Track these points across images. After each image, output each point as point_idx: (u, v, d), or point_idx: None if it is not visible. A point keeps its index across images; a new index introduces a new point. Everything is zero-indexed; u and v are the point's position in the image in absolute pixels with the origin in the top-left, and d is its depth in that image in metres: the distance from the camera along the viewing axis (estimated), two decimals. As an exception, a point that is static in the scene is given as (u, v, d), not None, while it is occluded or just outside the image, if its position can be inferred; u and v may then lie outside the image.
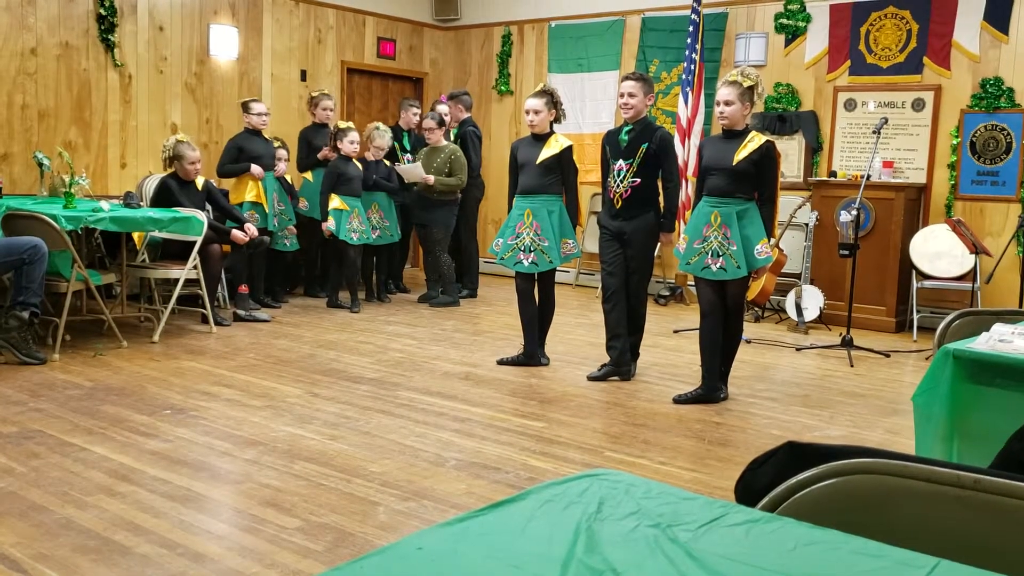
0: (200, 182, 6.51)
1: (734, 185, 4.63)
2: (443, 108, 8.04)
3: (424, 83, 10.20)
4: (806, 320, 7.01)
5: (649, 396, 4.91)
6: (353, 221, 7.27)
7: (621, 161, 5.11)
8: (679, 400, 4.78)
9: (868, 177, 6.49)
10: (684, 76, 7.78)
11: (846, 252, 6.18)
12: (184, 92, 7.99)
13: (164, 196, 6.30)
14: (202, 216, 5.99)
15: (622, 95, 5.12)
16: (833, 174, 7.60)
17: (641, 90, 5.07)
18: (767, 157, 4.59)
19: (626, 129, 5.12)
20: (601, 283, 5.34)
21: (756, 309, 7.48)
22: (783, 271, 7.34)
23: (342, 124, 7.42)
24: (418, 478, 3.48)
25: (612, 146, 5.17)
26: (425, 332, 6.52)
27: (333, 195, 7.25)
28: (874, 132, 6.43)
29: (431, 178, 7.46)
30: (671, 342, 6.44)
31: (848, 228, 6.35)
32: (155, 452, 3.70)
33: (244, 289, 6.80)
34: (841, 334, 6.24)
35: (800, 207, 7.41)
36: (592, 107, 9.13)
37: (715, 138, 4.87)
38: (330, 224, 7.21)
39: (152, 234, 6.20)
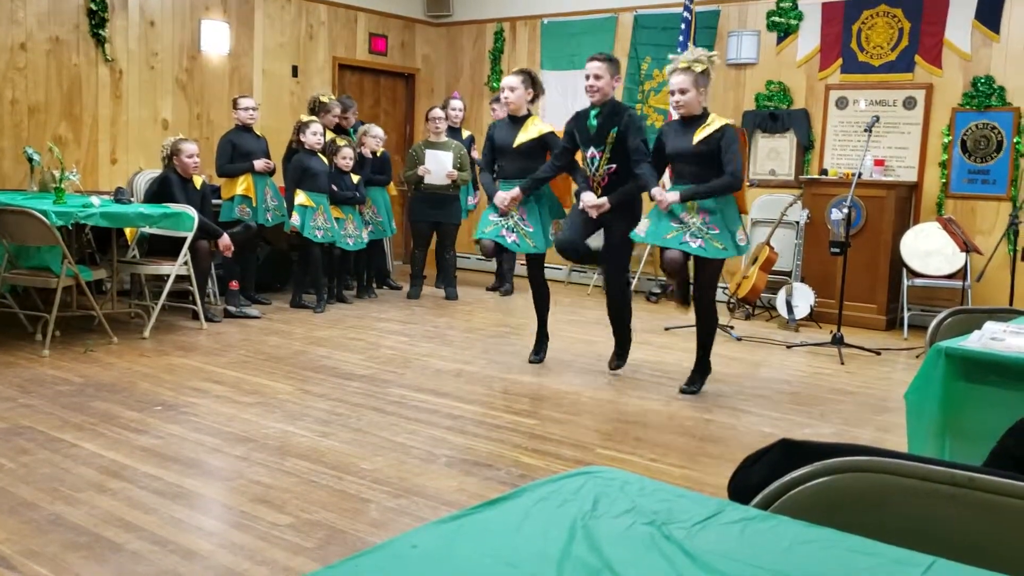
0: (199, 182, 6.45)
1: (699, 167, 4.60)
2: (457, 104, 8.28)
3: (416, 79, 10.18)
4: (797, 318, 7.02)
5: (640, 393, 4.91)
6: (318, 218, 6.99)
7: (593, 149, 4.97)
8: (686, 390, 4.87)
9: (859, 175, 6.49)
10: (676, 73, 7.77)
11: (837, 250, 6.19)
12: (175, 87, 7.95)
13: (163, 189, 6.22)
14: (192, 212, 5.96)
15: (587, 76, 4.93)
16: (824, 172, 7.61)
17: (607, 71, 4.92)
18: (726, 135, 4.55)
19: (593, 113, 4.96)
20: (555, 238, 5.20)
21: (747, 307, 7.49)
22: (774, 269, 7.35)
23: (304, 117, 7.15)
24: (409, 475, 3.47)
25: (581, 132, 5.01)
26: (417, 329, 6.51)
27: (298, 191, 6.94)
28: (865, 130, 6.44)
29: (455, 172, 7.65)
30: (662, 339, 6.44)
31: (839, 226, 6.37)
32: (146, 448, 3.68)
33: (235, 285, 6.77)
34: (832, 332, 6.25)
35: (791, 205, 7.42)
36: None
37: (674, 124, 4.78)
38: (295, 220, 6.92)
39: (143, 230, 6.16)
